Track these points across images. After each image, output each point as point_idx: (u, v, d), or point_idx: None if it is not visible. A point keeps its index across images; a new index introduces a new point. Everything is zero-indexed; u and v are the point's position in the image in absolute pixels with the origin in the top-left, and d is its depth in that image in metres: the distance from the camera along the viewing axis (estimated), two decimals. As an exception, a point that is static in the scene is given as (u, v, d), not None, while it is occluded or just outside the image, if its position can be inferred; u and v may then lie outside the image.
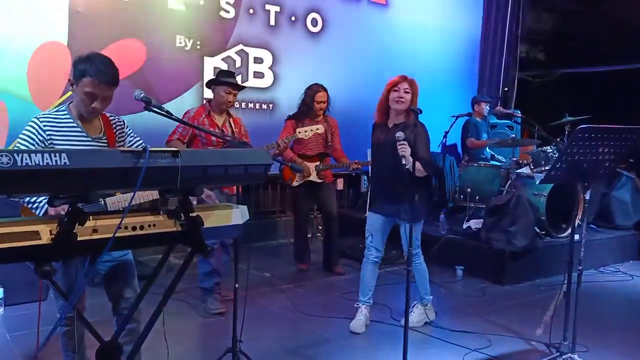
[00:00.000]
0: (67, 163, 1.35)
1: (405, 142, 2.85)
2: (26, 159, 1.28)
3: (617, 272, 5.07)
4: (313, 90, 4.44)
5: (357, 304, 3.44)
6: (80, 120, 2.14)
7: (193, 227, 1.74)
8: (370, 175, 3.38)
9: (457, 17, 7.39)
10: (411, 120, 3.09)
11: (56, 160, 1.33)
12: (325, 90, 4.47)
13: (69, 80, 2.08)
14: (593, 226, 5.67)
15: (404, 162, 2.83)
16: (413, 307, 3.47)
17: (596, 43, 8.02)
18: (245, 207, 1.99)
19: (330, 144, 4.49)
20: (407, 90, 3.12)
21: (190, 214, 1.74)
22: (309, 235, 5.31)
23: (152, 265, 3.16)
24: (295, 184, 4.52)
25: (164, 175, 1.56)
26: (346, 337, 3.29)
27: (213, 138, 3.44)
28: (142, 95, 2.11)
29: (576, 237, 2.91)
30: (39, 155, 1.30)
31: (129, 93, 2.15)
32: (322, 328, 3.42)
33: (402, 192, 3.09)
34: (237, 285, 2.58)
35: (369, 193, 3.33)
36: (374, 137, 3.32)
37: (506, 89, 8.57)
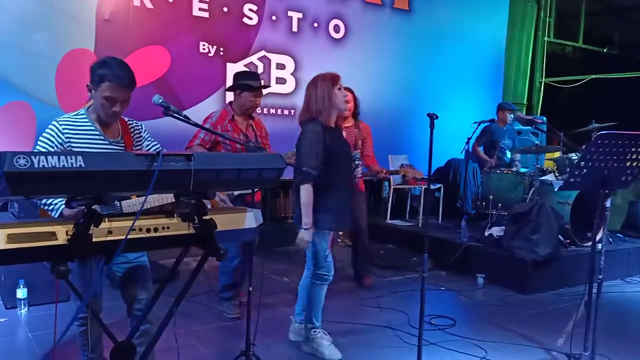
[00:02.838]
0: (83, 165, 1.38)
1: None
2: (43, 161, 1.32)
3: (644, 282, 4.92)
4: None
5: (316, 332, 3.05)
6: (99, 124, 2.19)
7: (206, 230, 1.77)
8: (319, 186, 2.86)
9: (481, 23, 7.32)
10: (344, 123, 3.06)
11: (72, 163, 1.37)
12: (350, 91, 4.28)
13: (87, 85, 2.13)
14: (620, 235, 5.52)
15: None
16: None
17: (626, 48, 7.83)
18: (259, 210, 2.01)
19: (359, 149, 4.25)
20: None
21: (204, 217, 1.76)
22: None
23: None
24: None
25: (177, 178, 1.58)
26: (362, 344, 3.27)
27: (237, 145, 3.35)
28: (160, 100, 2.14)
29: (599, 246, 2.84)
30: (55, 157, 1.34)
31: (154, 99, 2.19)
32: (338, 334, 3.39)
33: (350, 200, 3.09)
34: (250, 289, 2.60)
35: (321, 207, 2.86)
36: (325, 141, 2.82)
37: (531, 95, 8.45)
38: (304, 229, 2.84)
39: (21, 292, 3.51)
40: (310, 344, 3.06)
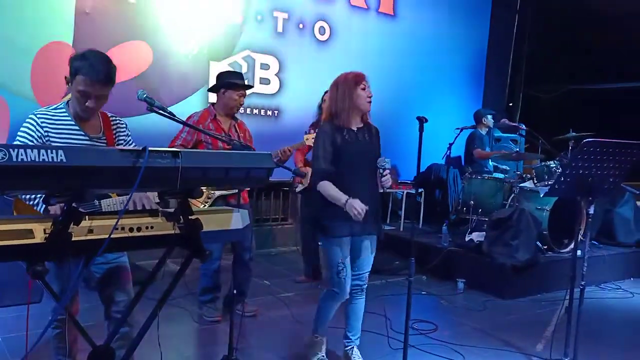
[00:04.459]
0: (64, 160, 1.32)
1: (389, 171, 2.62)
2: (22, 155, 1.25)
3: (618, 289, 5.01)
4: (325, 92, 4.33)
5: (317, 336, 2.93)
6: (79, 119, 2.10)
7: (192, 230, 1.71)
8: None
9: (464, 31, 7.38)
10: (370, 122, 2.80)
11: (52, 157, 1.30)
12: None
13: (65, 77, 2.05)
14: (595, 242, 5.62)
15: (383, 189, 2.60)
16: (350, 348, 2.97)
17: (604, 60, 8.01)
18: (246, 211, 1.96)
19: None
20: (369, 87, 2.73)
21: (190, 217, 1.71)
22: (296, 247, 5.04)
23: (150, 270, 3.13)
24: (299, 188, 4.41)
25: (163, 175, 1.53)
26: (343, 348, 3.24)
27: (220, 144, 3.28)
28: (145, 95, 2.08)
29: (578, 252, 2.87)
30: (35, 151, 1.27)
31: (134, 95, 2.12)
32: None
33: (371, 204, 2.66)
34: (234, 291, 2.55)
35: (325, 210, 2.68)
36: (335, 142, 2.67)
37: (511, 103, 8.57)
38: (346, 203, 2.57)
39: (-9, 293, 3.38)
40: (311, 348, 2.97)
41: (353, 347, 2.97)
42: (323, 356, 2.96)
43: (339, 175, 2.67)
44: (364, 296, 2.92)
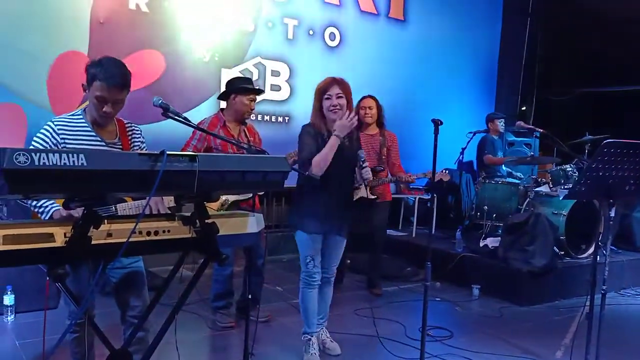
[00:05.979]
0: (85, 164, 1.32)
1: (368, 163, 2.82)
2: (44, 159, 1.26)
3: (637, 295, 4.92)
4: (361, 99, 4.32)
5: (307, 337, 3.03)
6: (95, 125, 2.14)
7: (208, 234, 1.71)
8: (299, 187, 2.94)
9: (475, 35, 7.37)
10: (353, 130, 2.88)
11: (74, 161, 1.30)
12: (372, 98, 4.29)
13: (83, 85, 2.09)
14: (613, 247, 5.53)
15: (360, 184, 2.75)
16: (320, 329, 3.16)
17: (616, 63, 7.93)
18: (261, 215, 1.95)
19: (384, 157, 4.24)
20: (340, 94, 2.75)
21: (206, 221, 1.70)
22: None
23: (163, 276, 3.13)
24: None
25: (180, 179, 1.52)
26: (357, 354, 3.21)
27: (229, 150, 3.31)
28: (160, 101, 2.09)
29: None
30: (57, 155, 1.28)
31: (147, 103, 2.14)
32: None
33: (346, 207, 2.91)
34: (249, 296, 2.54)
35: (300, 207, 2.91)
36: (316, 145, 2.79)
37: (523, 107, 8.51)
38: (334, 135, 2.71)
39: (8, 299, 3.40)
40: (304, 350, 3.04)
41: (322, 327, 3.17)
42: (313, 355, 2.99)
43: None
44: (331, 286, 3.12)
